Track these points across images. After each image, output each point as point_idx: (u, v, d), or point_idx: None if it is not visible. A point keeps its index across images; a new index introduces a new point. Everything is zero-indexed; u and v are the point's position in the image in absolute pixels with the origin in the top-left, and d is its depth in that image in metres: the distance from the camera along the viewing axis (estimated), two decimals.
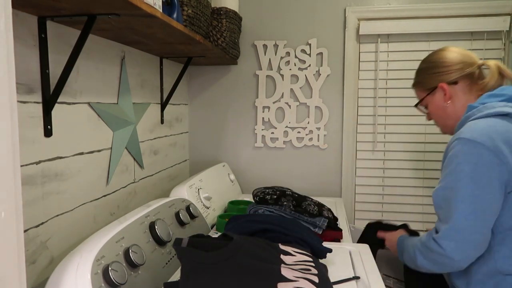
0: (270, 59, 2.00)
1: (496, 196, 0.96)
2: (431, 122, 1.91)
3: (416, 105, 1.28)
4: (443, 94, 1.17)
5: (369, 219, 2.01)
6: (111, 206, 1.30)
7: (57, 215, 1.03)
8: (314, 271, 0.83)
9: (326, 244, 1.12)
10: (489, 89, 1.12)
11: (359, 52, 1.95)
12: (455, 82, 1.15)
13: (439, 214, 1.05)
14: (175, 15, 1.17)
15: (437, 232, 1.03)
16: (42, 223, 0.97)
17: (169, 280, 0.99)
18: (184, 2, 1.29)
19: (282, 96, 2.01)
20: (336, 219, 1.39)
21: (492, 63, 1.14)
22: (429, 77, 1.20)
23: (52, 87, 0.98)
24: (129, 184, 1.42)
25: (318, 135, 2.00)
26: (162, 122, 1.74)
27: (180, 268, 0.84)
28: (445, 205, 1.01)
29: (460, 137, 1.01)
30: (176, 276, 1.02)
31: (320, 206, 1.36)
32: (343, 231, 1.32)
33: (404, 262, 1.19)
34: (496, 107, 1.03)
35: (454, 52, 1.17)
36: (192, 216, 1.27)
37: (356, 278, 0.97)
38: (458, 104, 1.15)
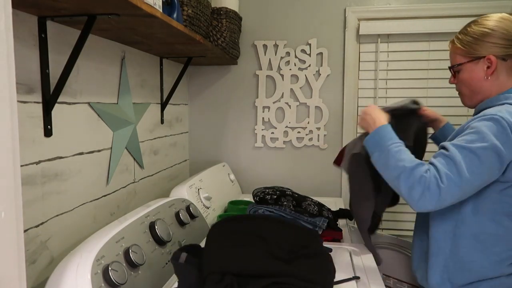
0: (270, 59, 2.00)
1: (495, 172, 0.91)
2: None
3: (450, 68, 1.14)
4: (486, 67, 1.03)
5: None
6: (111, 206, 1.30)
7: (57, 215, 1.03)
8: None
9: (326, 244, 1.12)
10: None
11: (359, 52, 1.95)
12: (504, 59, 1.02)
13: (448, 155, 0.92)
14: (175, 15, 1.17)
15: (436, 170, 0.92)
16: (42, 223, 0.97)
17: (168, 281, 0.99)
18: (184, 2, 1.29)
19: (282, 96, 2.01)
20: (336, 219, 1.39)
21: None
22: (481, 44, 1.04)
23: (52, 87, 0.98)
24: (129, 184, 1.42)
25: (318, 135, 2.00)
26: (162, 122, 1.74)
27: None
28: (457, 157, 0.90)
29: (494, 116, 0.93)
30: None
31: (320, 206, 1.36)
32: (343, 231, 1.32)
33: (369, 155, 1.04)
34: None
35: None
36: (192, 216, 1.27)
37: (356, 278, 0.97)
38: (496, 82, 1.03)
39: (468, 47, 1.06)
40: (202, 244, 0.93)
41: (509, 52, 1.02)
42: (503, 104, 0.99)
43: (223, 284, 0.74)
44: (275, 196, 1.36)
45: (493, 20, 1.06)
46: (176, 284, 0.86)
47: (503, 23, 1.04)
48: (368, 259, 1.11)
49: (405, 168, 0.93)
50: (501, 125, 0.91)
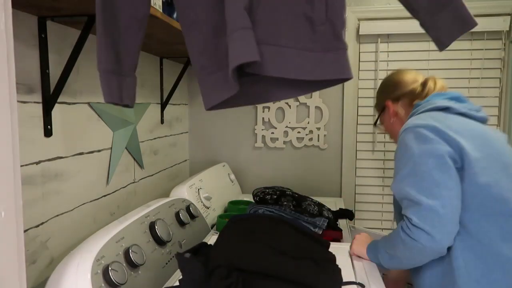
0: None
1: (451, 170, 0.93)
2: None
3: (374, 124, 1.35)
4: (389, 112, 1.23)
5: (369, 219, 2.01)
6: (111, 206, 1.30)
7: (57, 215, 1.03)
8: None
9: None
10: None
11: (359, 52, 1.95)
12: (397, 99, 1.21)
13: (404, 203, 0.97)
14: (175, 15, 1.17)
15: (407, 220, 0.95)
16: (42, 223, 0.97)
17: (168, 281, 0.99)
18: None
19: None
20: (336, 219, 1.39)
21: (430, 80, 1.17)
22: (379, 96, 1.28)
23: (52, 87, 0.98)
24: (129, 184, 1.42)
25: (318, 135, 2.00)
26: (162, 122, 1.74)
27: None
28: (411, 192, 0.93)
29: (405, 128, 1.03)
30: (176, 275, 1.02)
31: (320, 206, 1.37)
32: (343, 231, 1.32)
33: (382, 265, 1.06)
34: (437, 102, 1.07)
35: (400, 73, 1.23)
36: (192, 216, 1.27)
37: (361, 285, 0.95)
38: (399, 119, 1.21)
39: (376, 103, 1.31)
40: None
41: (396, 94, 1.21)
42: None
43: (229, 280, 0.74)
44: (275, 196, 1.36)
45: (386, 76, 1.29)
46: (177, 283, 0.86)
47: (390, 74, 1.26)
48: (368, 260, 1.11)
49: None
50: (413, 131, 1.00)
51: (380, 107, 1.27)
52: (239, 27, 0.59)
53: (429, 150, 0.94)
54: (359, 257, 1.11)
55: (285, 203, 1.33)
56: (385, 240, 1.05)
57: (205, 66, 0.73)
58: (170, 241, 1.06)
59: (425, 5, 0.76)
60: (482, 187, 0.93)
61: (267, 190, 1.40)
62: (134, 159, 1.46)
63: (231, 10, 0.60)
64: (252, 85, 0.78)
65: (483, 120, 1.08)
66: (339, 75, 0.71)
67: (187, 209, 1.28)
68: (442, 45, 0.81)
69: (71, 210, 1.09)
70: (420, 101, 1.14)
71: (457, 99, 1.10)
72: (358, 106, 1.98)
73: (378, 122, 1.32)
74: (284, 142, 2.04)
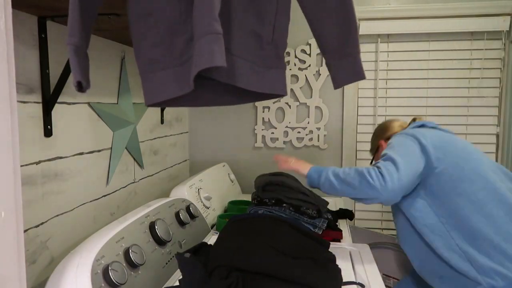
0: None
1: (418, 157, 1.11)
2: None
3: (371, 163, 1.45)
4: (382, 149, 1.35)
5: (369, 219, 2.01)
6: (111, 206, 1.30)
7: (57, 215, 1.03)
8: None
9: None
10: None
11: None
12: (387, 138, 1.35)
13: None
14: None
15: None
16: (42, 223, 0.97)
17: (168, 281, 0.99)
18: None
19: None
20: (336, 219, 1.39)
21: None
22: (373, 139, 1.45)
23: (52, 87, 0.98)
24: (129, 184, 1.42)
25: (318, 135, 2.00)
26: (162, 122, 1.74)
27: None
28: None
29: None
30: (176, 275, 1.02)
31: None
32: (343, 231, 1.32)
33: (316, 184, 1.19)
34: (414, 126, 1.28)
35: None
36: (192, 216, 1.27)
37: (360, 285, 0.95)
38: None
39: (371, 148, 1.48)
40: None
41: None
42: None
43: (229, 280, 0.74)
44: (273, 201, 1.36)
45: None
46: (177, 283, 0.86)
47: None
48: (368, 259, 1.11)
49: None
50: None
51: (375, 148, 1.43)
52: (214, 32, 0.60)
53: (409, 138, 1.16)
54: (297, 170, 1.29)
55: (284, 204, 1.33)
56: (340, 170, 1.17)
57: (157, 60, 0.72)
58: (170, 241, 1.07)
59: (332, 50, 0.89)
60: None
61: (264, 198, 1.38)
62: (134, 159, 1.46)
63: (206, 12, 0.61)
64: (197, 88, 0.80)
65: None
66: (276, 91, 0.80)
67: (187, 209, 1.28)
68: (336, 85, 0.91)
69: (71, 210, 1.09)
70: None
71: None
72: (358, 106, 1.98)
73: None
74: (284, 142, 2.04)
